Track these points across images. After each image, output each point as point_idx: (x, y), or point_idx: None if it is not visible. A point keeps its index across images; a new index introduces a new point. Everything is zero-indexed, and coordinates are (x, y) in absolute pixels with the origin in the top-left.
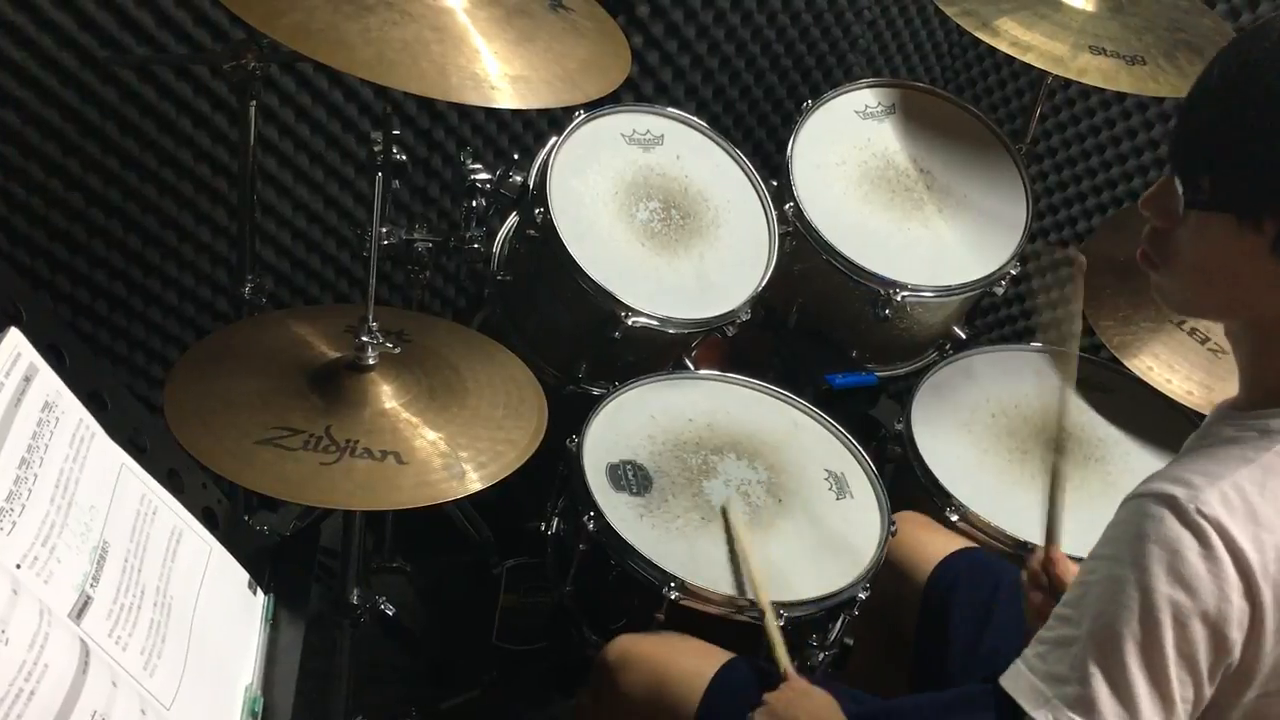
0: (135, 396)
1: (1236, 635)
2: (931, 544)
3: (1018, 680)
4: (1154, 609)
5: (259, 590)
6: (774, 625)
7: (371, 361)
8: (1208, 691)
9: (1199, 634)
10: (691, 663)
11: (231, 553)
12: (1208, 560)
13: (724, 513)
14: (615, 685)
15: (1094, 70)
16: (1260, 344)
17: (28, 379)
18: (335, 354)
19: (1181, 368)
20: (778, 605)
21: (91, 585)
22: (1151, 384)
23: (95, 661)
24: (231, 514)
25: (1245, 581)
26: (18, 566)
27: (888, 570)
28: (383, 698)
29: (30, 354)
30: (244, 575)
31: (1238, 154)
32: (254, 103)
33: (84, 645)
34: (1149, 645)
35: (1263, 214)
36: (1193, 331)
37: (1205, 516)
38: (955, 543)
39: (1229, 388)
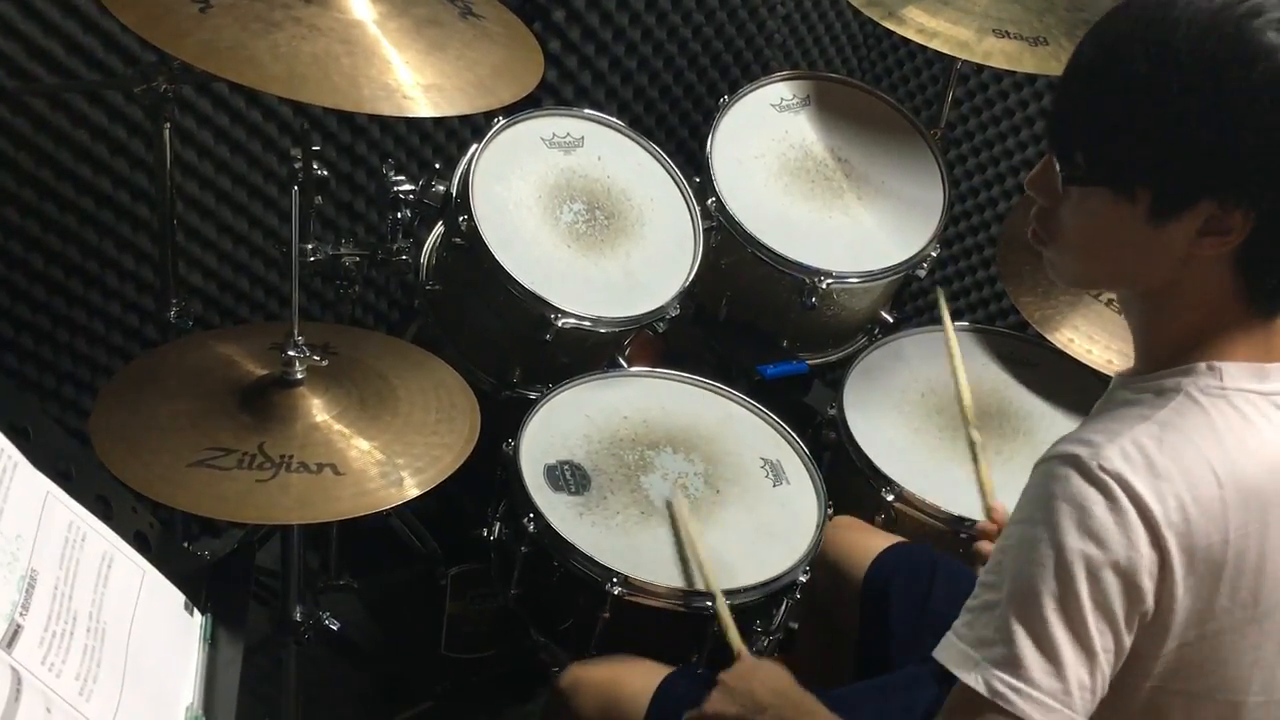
0: (66, 430)
1: (1148, 583)
2: (865, 542)
3: (949, 650)
4: (1067, 563)
5: (196, 611)
6: (725, 610)
7: (299, 376)
8: (1127, 641)
9: (1112, 584)
10: (638, 681)
11: (166, 575)
12: (1114, 513)
13: (669, 506)
14: (569, 711)
15: (999, 53)
16: (1149, 311)
17: None
18: (263, 371)
19: (1101, 338)
20: (726, 593)
21: (21, 614)
22: (1073, 355)
23: (28, 689)
24: (164, 537)
25: (1150, 531)
26: None
27: (826, 571)
28: (333, 715)
29: None
30: (180, 597)
31: (1106, 128)
32: (168, 125)
33: (15, 673)
34: (1066, 598)
35: (1135, 184)
36: (1109, 302)
37: (1107, 471)
38: (887, 540)
39: None
